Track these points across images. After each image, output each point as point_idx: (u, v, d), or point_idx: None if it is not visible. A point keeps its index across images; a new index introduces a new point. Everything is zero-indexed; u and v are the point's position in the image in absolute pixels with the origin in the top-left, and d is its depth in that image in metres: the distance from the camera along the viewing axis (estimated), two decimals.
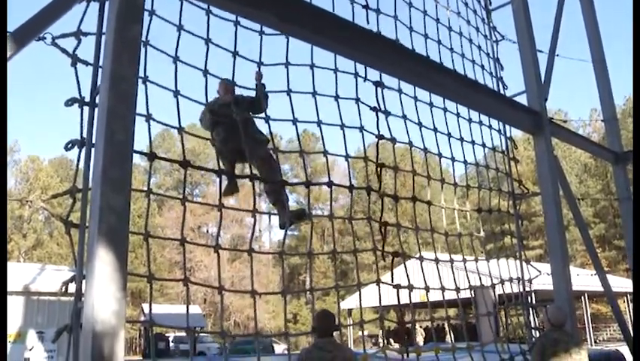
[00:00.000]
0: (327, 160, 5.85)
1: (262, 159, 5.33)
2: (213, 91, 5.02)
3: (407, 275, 5.53)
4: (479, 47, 8.11)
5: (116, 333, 2.88)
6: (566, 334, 5.37)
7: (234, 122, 5.01)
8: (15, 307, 15.39)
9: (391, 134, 5.99)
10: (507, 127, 8.02)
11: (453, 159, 6.98)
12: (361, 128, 5.78)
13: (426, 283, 5.71)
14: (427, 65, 6.08)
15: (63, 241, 44.57)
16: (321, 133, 5.68)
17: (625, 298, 26.85)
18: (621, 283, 22.85)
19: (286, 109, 5.42)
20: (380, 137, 5.89)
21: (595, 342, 26.36)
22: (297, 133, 5.63)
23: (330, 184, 5.64)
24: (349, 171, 6.15)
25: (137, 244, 33.85)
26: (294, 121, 5.48)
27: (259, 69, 5.57)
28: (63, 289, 3.33)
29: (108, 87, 3.18)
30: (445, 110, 6.99)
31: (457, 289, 6.28)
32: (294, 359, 3.95)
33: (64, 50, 3.70)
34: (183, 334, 28.08)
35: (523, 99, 7.73)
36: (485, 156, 8.11)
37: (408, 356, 5.25)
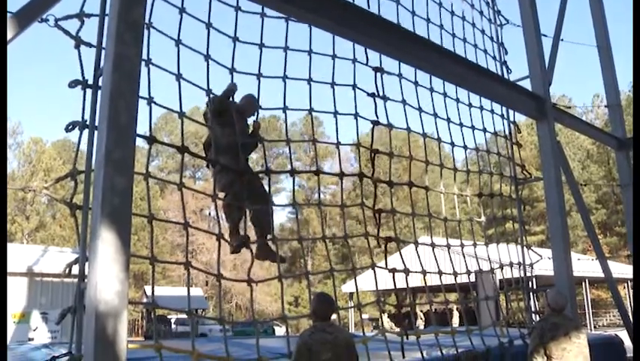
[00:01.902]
0: (315, 148, 5.96)
1: (261, 213, 5.29)
2: (214, 74, 4.97)
3: (402, 260, 5.55)
4: (483, 31, 8.07)
5: (119, 313, 2.91)
6: (566, 318, 5.40)
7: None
8: (19, 289, 15.51)
9: (389, 120, 5.97)
10: (510, 112, 8.00)
11: (453, 144, 6.96)
12: (356, 115, 5.78)
13: (423, 268, 5.73)
14: (429, 47, 6.05)
15: (66, 223, 44.75)
16: (312, 120, 5.68)
17: (625, 284, 26.91)
18: (622, 270, 22.88)
19: (293, 95, 5.43)
20: (376, 122, 5.88)
21: (594, 328, 26.48)
22: (286, 121, 5.73)
23: (317, 172, 5.66)
24: (339, 158, 6.16)
25: (139, 227, 34.01)
26: (285, 109, 5.51)
27: (257, 118, 5.59)
28: (67, 271, 3.35)
29: (111, 68, 3.18)
30: (445, 95, 6.97)
31: (457, 274, 6.30)
32: (294, 342, 3.97)
33: (67, 32, 3.69)
34: (185, 316, 28.28)
35: (526, 84, 7.70)
36: (487, 140, 8.10)
37: (407, 338, 5.29)
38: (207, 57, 4.84)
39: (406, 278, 5.57)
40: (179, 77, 4.39)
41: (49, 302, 16.24)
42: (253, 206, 5.24)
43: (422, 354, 5.13)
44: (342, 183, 5.77)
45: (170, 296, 23.21)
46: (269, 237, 5.32)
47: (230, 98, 5.33)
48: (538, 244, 31.51)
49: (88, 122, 3.48)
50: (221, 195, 5.19)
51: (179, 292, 27.68)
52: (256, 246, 5.32)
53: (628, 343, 7.78)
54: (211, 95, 4.95)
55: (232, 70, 5.21)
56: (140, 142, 3.93)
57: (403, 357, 5.02)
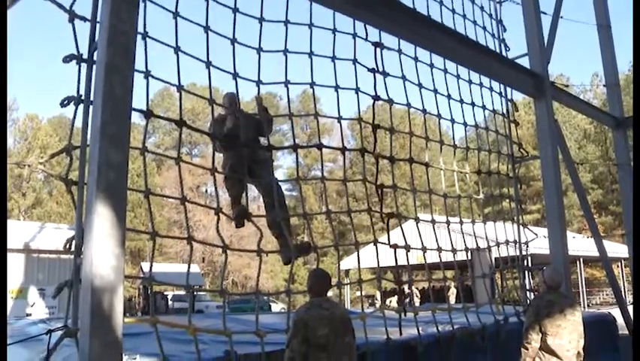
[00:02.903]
0: (317, 122, 5.94)
1: (269, 188, 5.26)
2: (214, 48, 4.91)
3: (404, 236, 5.56)
4: (482, 8, 7.99)
5: (114, 288, 2.91)
6: (562, 296, 5.42)
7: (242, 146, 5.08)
8: (16, 265, 15.56)
9: (388, 96, 5.93)
10: (508, 90, 7.96)
11: (453, 121, 6.93)
12: (357, 90, 5.73)
13: (423, 244, 5.75)
14: (428, 25, 6.00)
15: (62, 199, 44.70)
16: (314, 95, 5.63)
17: (619, 263, 27.14)
18: (616, 249, 23.05)
19: (295, 69, 5.39)
20: (376, 98, 5.83)
21: (588, 306, 26.75)
22: (288, 95, 5.69)
23: (320, 146, 5.63)
24: (341, 133, 6.14)
25: (136, 204, 33.98)
26: (286, 83, 5.48)
27: (259, 92, 5.55)
28: (67, 246, 3.34)
29: (106, 42, 3.14)
30: (446, 71, 6.92)
31: (454, 251, 6.32)
32: (291, 317, 3.99)
33: (61, 6, 3.62)
34: (182, 292, 28.43)
35: (525, 62, 7.66)
36: (485, 118, 8.07)
37: (405, 315, 5.32)
38: (207, 29, 4.77)
39: (407, 255, 5.58)
40: (177, 49, 4.34)
41: (47, 278, 16.29)
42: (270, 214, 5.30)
43: (419, 331, 5.17)
44: (344, 157, 5.76)
45: (166, 273, 23.28)
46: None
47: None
48: (534, 223, 31.64)
49: (83, 97, 3.44)
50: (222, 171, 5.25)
51: (175, 268, 27.76)
52: (282, 250, 5.39)
53: (621, 321, 7.86)
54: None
55: (233, 41, 5.12)
56: (136, 118, 3.91)
57: (401, 334, 5.06)
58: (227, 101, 5.51)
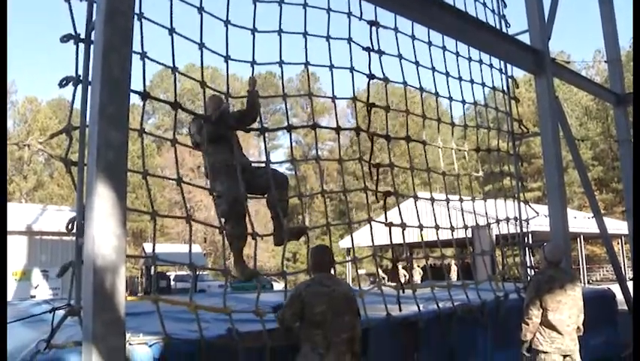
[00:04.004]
0: (311, 102, 5.88)
1: (266, 175, 5.26)
2: (208, 29, 4.87)
3: (400, 214, 5.57)
4: None
5: (116, 268, 2.93)
6: (562, 271, 5.47)
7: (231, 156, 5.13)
8: (19, 247, 15.64)
9: (384, 74, 5.89)
10: (508, 67, 7.91)
11: (451, 99, 6.90)
12: (352, 69, 5.71)
13: (420, 222, 5.76)
14: (427, 1, 5.95)
15: (64, 182, 44.73)
16: (308, 75, 5.57)
17: (619, 240, 27.24)
18: (616, 226, 23.11)
19: (288, 51, 5.36)
20: (371, 77, 5.80)
21: (588, 282, 26.90)
22: (282, 76, 5.71)
23: (314, 126, 5.65)
24: (335, 113, 6.12)
25: (137, 185, 34.02)
26: (280, 63, 5.45)
27: (252, 73, 5.57)
28: (69, 227, 3.35)
29: (103, 21, 3.13)
30: (444, 48, 6.86)
31: (455, 228, 6.34)
32: (291, 293, 4.01)
33: None
34: (184, 272, 28.58)
35: (525, 38, 7.60)
36: (485, 96, 8.04)
37: (404, 292, 5.36)
38: (200, 9, 4.75)
39: (403, 233, 5.59)
40: (172, 31, 4.31)
41: (49, 260, 16.37)
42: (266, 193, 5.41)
43: (418, 307, 5.21)
44: (339, 137, 5.74)
45: (168, 253, 23.35)
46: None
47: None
48: (534, 201, 31.65)
49: (81, 78, 3.43)
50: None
51: (177, 248, 27.86)
52: (275, 232, 5.53)
53: (620, 297, 7.91)
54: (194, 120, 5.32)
55: (227, 22, 5.11)
56: (136, 100, 3.90)
57: (400, 310, 5.10)
58: (214, 104, 5.62)
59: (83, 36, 3.50)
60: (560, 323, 5.13)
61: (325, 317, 3.78)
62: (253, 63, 5.33)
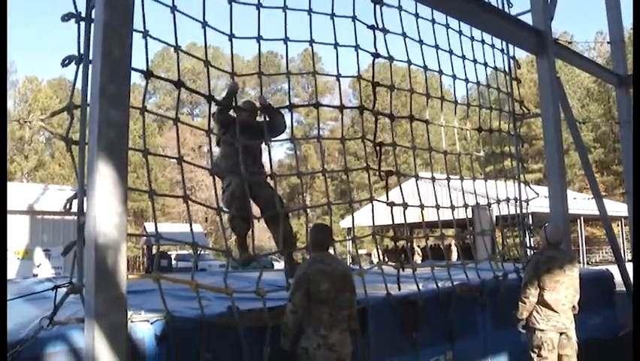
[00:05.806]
0: (315, 81, 6.01)
1: (270, 203, 5.38)
2: (217, 6, 4.82)
3: (402, 194, 5.58)
4: None
5: (118, 246, 2.95)
6: (561, 252, 5.50)
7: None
8: (21, 226, 15.72)
9: (389, 53, 5.87)
10: (510, 47, 7.86)
11: (454, 77, 6.86)
12: (357, 47, 5.67)
13: (421, 202, 5.78)
14: None
15: (65, 161, 44.81)
16: (313, 54, 5.56)
17: (619, 222, 27.33)
18: (616, 208, 23.17)
19: (296, 27, 5.36)
20: (376, 55, 5.78)
21: (587, 264, 27.05)
22: (287, 53, 5.65)
23: (317, 105, 5.63)
24: (339, 91, 6.11)
25: (138, 164, 34.05)
26: (285, 40, 5.43)
27: (261, 94, 5.63)
28: (67, 206, 3.37)
29: (104, 0, 3.11)
30: (448, 26, 6.81)
31: (454, 208, 6.34)
32: (296, 275, 4.03)
33: None
34: (185, 252, 28.73)
35: (528, 18, 7.54)
36: (487, 76, 8.00)
37: (403, 271, 5.39)
38: None
39: (404, 212, 5.61)
40: (173, 9, 4.29)
41: (51, 239, 16.45)
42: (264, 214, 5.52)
43: (418, 286, 5.24)
44: (342, 116, 5.73)
45: (170, 232, 23.43)
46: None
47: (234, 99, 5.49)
48: (535, 182, 31.72)
49: (82, 56, 3.42)
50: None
51: (179, 228, 27.98)
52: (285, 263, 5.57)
53: (618, 278, 7.96)
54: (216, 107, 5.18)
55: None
56: (137, 79, 3.89)
57: (399, 289, 5.13)
58: (250, 107, 5.79)
59: (83, 15, 3.48)
60: (556, 302, 5.19)
61: (329, 293, 3.86)
62: (259, 39, 5.30)
